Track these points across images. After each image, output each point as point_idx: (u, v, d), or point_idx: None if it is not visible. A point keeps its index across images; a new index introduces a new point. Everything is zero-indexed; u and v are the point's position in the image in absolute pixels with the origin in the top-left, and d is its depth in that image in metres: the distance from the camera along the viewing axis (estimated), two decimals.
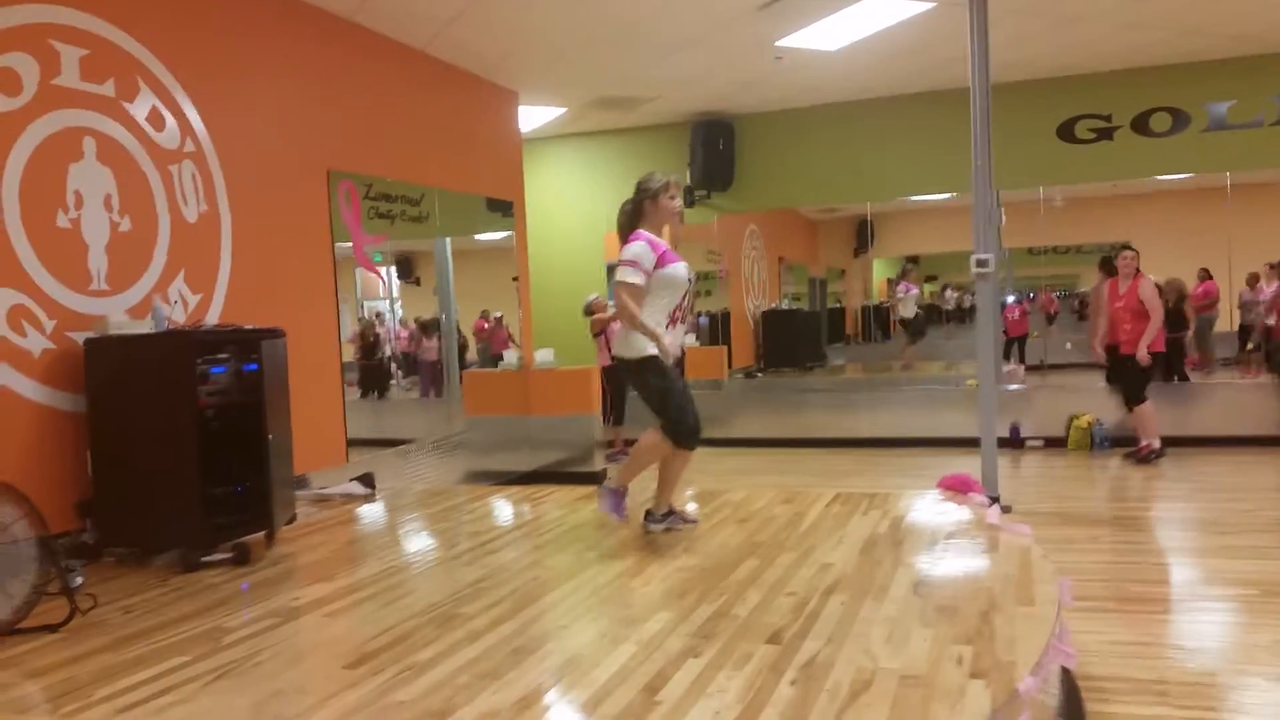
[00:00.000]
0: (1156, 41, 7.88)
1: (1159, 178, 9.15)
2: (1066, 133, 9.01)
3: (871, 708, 2.35)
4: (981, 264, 6.39)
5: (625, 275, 4.09)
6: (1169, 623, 4.14)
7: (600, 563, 3.81)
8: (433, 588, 3.73)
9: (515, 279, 9.03)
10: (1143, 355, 7.56)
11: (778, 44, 7.48)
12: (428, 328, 14.38)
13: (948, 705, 2.35)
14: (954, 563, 3.74)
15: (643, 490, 4.65)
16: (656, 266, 4.09)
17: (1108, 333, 7.99)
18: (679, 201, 4.28)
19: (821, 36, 7.35)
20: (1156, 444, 7.45)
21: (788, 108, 9.86)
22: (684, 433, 4.16)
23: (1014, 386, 9.75)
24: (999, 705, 2.33)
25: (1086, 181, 9.33)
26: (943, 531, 4.23)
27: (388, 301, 15.38)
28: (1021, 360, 13.17)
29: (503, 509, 5.47)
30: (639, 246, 4.12)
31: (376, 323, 14.39)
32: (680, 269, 4.15)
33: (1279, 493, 6.69)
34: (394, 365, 16.04)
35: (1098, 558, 5.08)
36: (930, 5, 6.64)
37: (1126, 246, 7.91)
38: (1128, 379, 7.67)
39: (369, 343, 14.24)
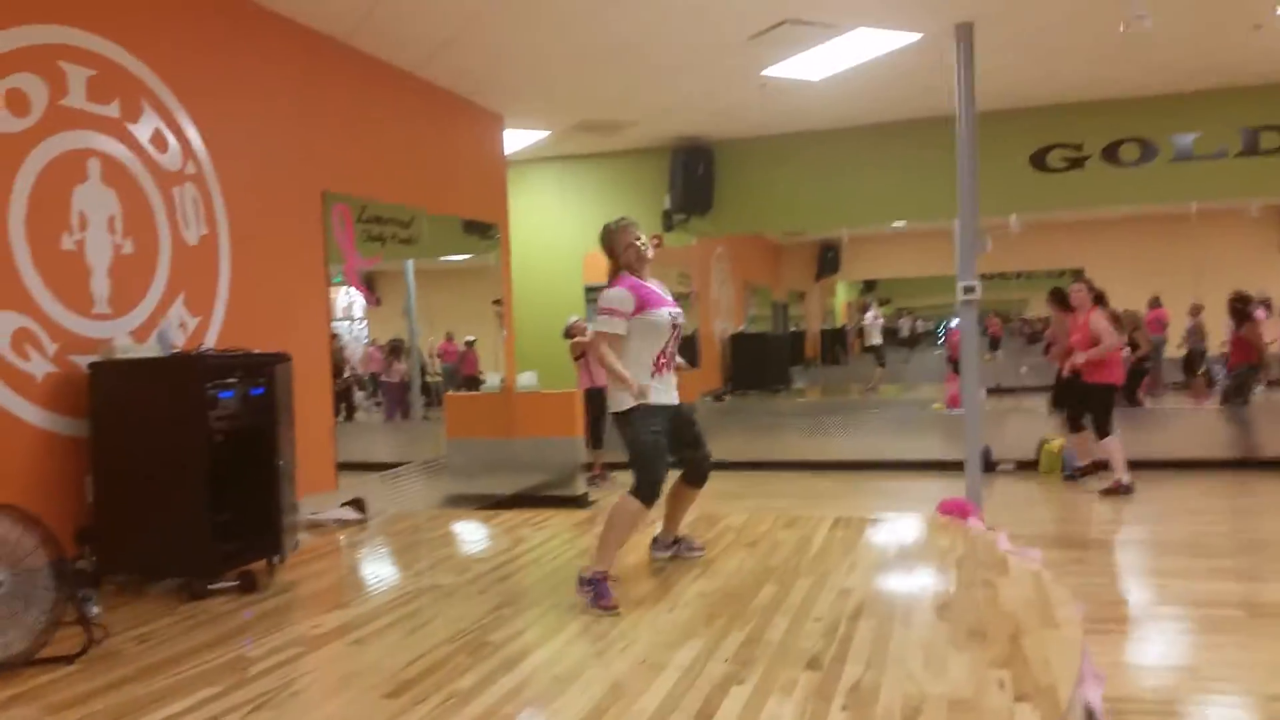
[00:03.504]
0: (1127, 75, 8.13)
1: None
2: (1039, 161, 9.22)
3: None
4: (968, 290, 6.54)
5: (603, 325, 3.96)
6: (1168, 643, 4.25)
7: (618, 589, 3.82)
8: (454, 614, 3.71)
9: (497, 301, 9.00)
10: (1071, 365, 7.69)
11: (763, 73, 7.59)
12: (396, 350, 14.19)
13: None
14: (971, 587, 3.82)
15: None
16: (636, 311, 3.95)
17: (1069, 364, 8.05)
18: (642, 240, 4.10)
19: (806, 66, 7.47)
20: (1125, 479, 7.48)
21: (767, 134, 9.98)
22: (644, 490, 3.88)
23: None
24: None
25: (1058, 209, 9.53)
26: (952, 556, 4.31)
27: (347, 322, 15.17)
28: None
29: (503, 534, 5.45)
30: (617, 292, 3.98)
31: (344, 343, 14.20)
32: (661, 314, 3.99)
33: (1251, 515, 6.89)
34: (357, 387, 15.79)
35: (1087, 579, 5.19)
36: (916, 37, 6.80)
37: (1078, 277, 8.02)
38: (1093, 409, 7.78)
39: (336, 364, 14.06)
